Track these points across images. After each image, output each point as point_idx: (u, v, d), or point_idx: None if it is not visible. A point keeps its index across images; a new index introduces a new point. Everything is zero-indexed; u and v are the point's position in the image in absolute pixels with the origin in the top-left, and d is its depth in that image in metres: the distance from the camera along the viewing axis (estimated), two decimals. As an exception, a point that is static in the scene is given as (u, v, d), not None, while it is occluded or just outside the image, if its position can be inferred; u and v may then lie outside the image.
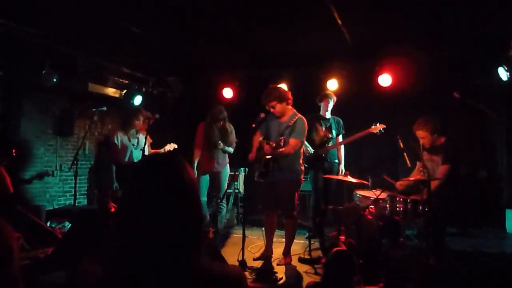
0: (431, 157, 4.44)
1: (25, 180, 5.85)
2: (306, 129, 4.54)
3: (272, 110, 4.47)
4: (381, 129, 5.29)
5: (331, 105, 5.74)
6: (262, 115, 4.44)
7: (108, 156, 5.96)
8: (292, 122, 4.41)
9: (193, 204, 1.16)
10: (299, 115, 4.51)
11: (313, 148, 5.66)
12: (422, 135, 4.43)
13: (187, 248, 1.11)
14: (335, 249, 2.91)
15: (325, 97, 5.74)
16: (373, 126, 5.33)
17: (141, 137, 5.72)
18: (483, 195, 6.44)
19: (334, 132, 5.71)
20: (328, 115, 5.78)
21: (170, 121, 5.65)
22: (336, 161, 5.81)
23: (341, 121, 5.89)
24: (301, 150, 4.61)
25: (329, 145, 5.65)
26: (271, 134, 4.53)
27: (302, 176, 4.58)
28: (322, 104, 5.76)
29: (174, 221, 1.10)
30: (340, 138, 5.85)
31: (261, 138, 4.57)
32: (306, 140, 5.62)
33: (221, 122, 5.67)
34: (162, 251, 1.08)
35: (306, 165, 5.71)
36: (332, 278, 2.70)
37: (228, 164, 5.91)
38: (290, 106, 4.55)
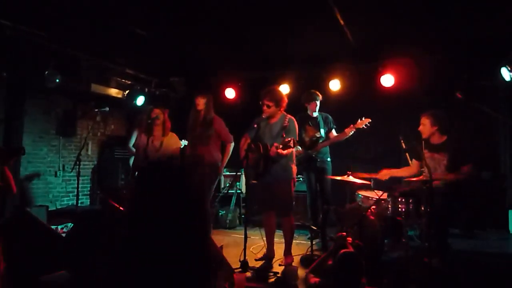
0: (433, 155, 4.39)
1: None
2: (297, 127, 4.61)
3: (265, 108, 4.50)
4: (367, 123, 5.24)
5: (318, 106, 5.73)
6: (255, 125, 4.50)
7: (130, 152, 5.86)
8: (287, 123, 4.46)
9: (196, 211, 1.11)
10: (289, 115, 4.57)
11: (303, 149, 5.64)
12: (424, 122, 4.44)
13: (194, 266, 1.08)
14: (342, 250, 2.88)
15: (312, 100, 5.69)
16: (358, 121, 5.29)
17: (169, 139, 5.34)
18: (486, 196, 6.39)
19: (322, 130, 5.65)
20: (315, 113, 5.77)
21: (173, 122, 5.69)
22: (329, 159, 5.76)
23: (330, 117, 5.84)
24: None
25: (319, 143, 5.58)
26: (263, 135, 4.55)
27: (295, 175, 4.59)
28: (308, 107, 5.74)
29: (178, 229, 1.06)
30: (334, 132, 5.79)
31: (249, 141, 4.56)
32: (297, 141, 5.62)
33: (204, 100, 5.35)
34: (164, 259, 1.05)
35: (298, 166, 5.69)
36: (340, 280, 2.67)
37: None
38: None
